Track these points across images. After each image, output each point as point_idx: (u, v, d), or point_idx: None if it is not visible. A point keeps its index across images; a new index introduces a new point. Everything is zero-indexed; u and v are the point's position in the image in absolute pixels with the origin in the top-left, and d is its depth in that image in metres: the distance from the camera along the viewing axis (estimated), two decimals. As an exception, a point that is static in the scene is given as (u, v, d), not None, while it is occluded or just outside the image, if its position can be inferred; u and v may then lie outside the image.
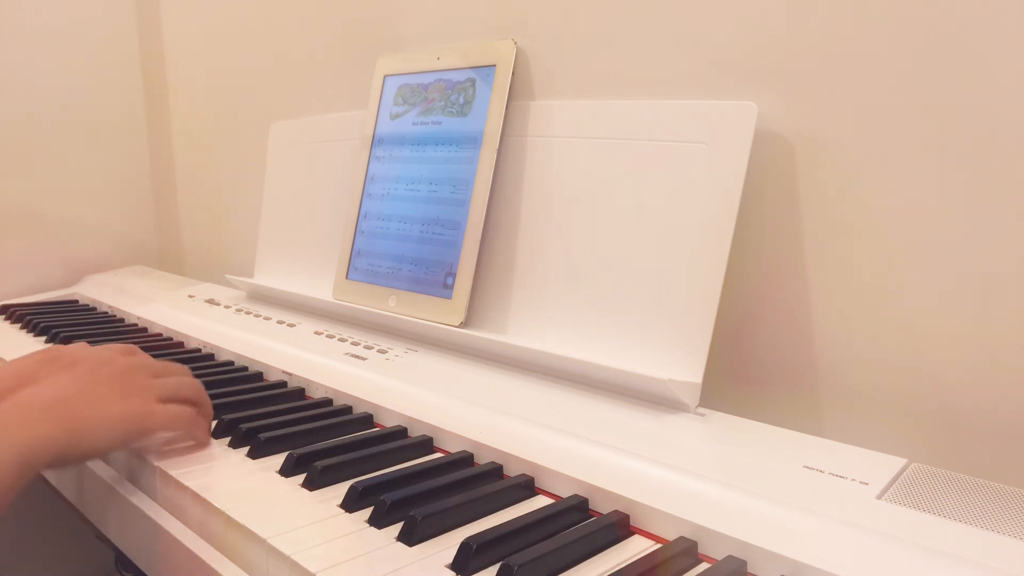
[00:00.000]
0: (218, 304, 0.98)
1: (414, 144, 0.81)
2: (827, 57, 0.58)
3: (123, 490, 0.55)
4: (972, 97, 0.52)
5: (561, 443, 0.52)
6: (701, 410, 0.57)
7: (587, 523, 0.45)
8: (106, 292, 1.16)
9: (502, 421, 0.56)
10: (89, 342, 0.85)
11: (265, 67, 1.16)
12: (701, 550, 0.43)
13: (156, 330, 0.94)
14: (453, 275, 0.74)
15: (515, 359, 0.67)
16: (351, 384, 0.67)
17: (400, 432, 0.60)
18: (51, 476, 0.66)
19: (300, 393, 0.70)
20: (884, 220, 0.57)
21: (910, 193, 0.55)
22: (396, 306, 0.79)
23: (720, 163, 0.59)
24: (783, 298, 0.62)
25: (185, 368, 0.61)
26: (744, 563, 0.41)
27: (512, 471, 0.53)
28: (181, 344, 0.87)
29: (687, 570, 0.41)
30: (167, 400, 0.55)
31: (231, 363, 0.79)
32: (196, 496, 0.49)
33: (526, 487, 0.51)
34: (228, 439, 0.59)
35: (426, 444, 0.58)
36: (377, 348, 0.74)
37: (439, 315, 0.74)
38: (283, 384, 0.72)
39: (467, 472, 0.52)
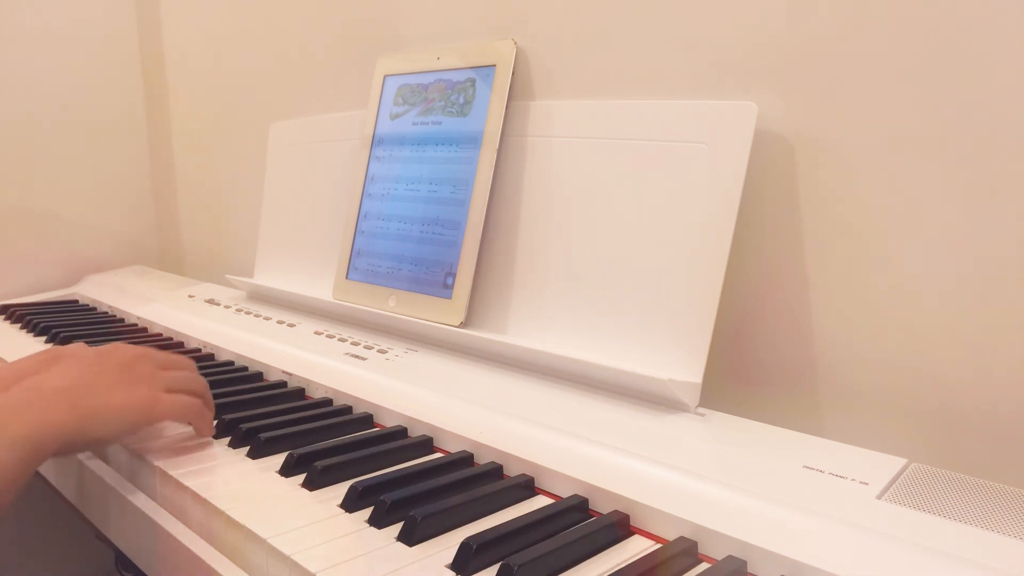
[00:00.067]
0: (218, 304, 0.98)
1: (414, 144, 0.81)
2: (827, 57, 0.58)
3: (123, 490, 0.55)
4: (972, 97, 0.52)
5: (561, 443, 0.52)
6: (701, 410, 0.57)
7: (587, 523, 0.45)
8: (106, 292, 1.16)
9: (502, 421, 0.56)
10: (89, 342, 0.85)
11: (265, 67, 1.16)
12: (701, 550, 0.43)
13: (156, 330, 0.94)
14: (453, 275, 0.74)
15: (515, 359, 0.67)
16: (351, 384, 0.67)
17: (400, 432, 0.60)
18: (51, 476, 0.66)
19: (300, 393, 0.70)
20: (884, 220, 0.57)
21: (910, 193, 0.55)
22: (396, 306, 0.79)
23: (720, 163, 0.59)
24: (783, 298, 0.62)
25: (191, 362, 0.62)
26: (744, 563, 0.41)
27: (512, 471, 0.53)
28: (181, 344, 0.87)
29: (687, 570, 0.41)
30: (173, 391, 0.55)
31: (231, 363, 0.79)
32: (196, 496, 0.49)
33: (526, 487, 0.51)
34: (228, 439, 0.59)
35: (426, 444, 0.58)
36: (377, 348, 0.74)
37: (439, 315, 0.74)
38: (283, 384, 0.72)
39: (467, 472, 0.52)
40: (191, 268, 1.40)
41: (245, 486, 0.50)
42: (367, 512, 0.46)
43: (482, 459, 0.55)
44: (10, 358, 0.83)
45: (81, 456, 0.60)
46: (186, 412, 0.56)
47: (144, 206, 1.43)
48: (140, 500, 0.53)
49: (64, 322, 0.98)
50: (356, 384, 0.67)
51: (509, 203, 0.73)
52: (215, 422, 0.61)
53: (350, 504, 0.47)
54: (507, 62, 0.74)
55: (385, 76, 0.86)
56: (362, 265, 0.84)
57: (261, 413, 0.62)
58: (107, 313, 1.08)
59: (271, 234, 1.03)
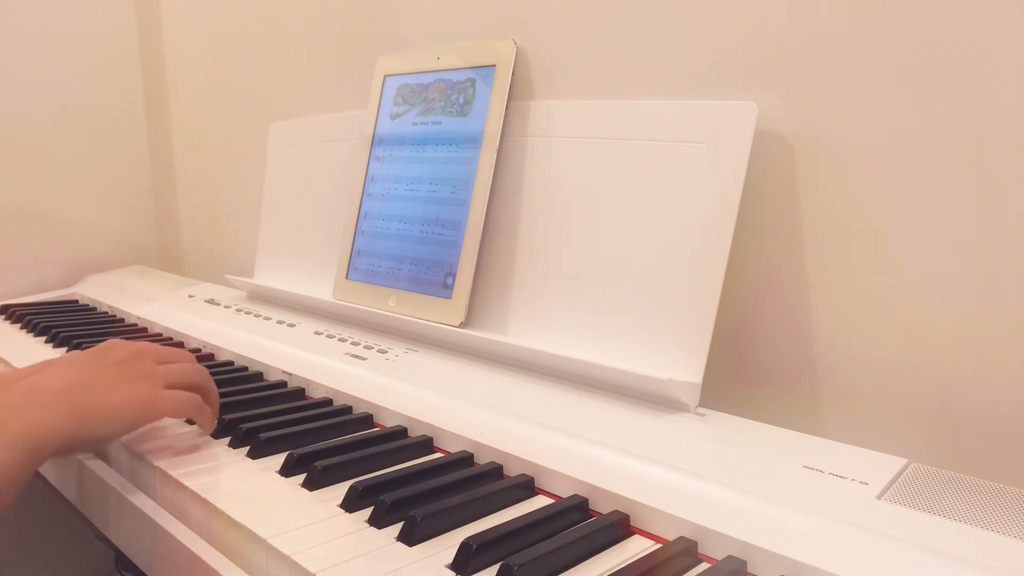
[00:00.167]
0: (218, 304, 0.98)
1: (414, 144, 0.81)
2: (827, 57, 0.58)
3: (123, 490, 0.55)
4: (972, 97, 0.52)
5: (561, 443, 0.52)
6: (701, 410, 0.57)
7: (587, 523, 0.45)
8: (106, 292, 1.16)
9: (502, 421, 0.56)
10: (89, 342, 0.85)
11: (265, 67, 1.16)
12: (701, 550, 0.43)
13: (156, 330, 0.94)
14: (453, 275, 0.74)
15: (515, 359, 0.67)
16: (351, 384, 0.67)
17: (400, 432, 0.60)
18: (51, 476, 0.66)
19: (300, 393, 0.70)
20: (884, 220, 0.57)
21: (910, 193, 0.55)
22: (396, 306, 0.79)
23: (720, 163, 0.59)
24: (783, 298, 0.62)
25: (190, 354, 0.62)
26: (744, 563, 0.41)
27: (512, 471, 0.53)
28: (181, 344, 0.87)
29: (687, 570, 0.41)
30: (173, 386, 0.55)
31: (231, 363, 0.79)
32: (196, 496, 0.49)
33: (526, 487, 0.51)
34: (228, 439, 0.59)
35: (426, 444, 0.58)
36: (377, 348, 0.74)
37: (439, 315, 0.74)
38: (283, 384, 0.72)
39: (467, 472, 0.52)
40: (191, 268, 1.40)
41: (245, 486, 0.50)
42: (367, 512, 0.46)
43: (482, 459, 0.55)
44: (10, 358, 0.83)
45: (81, 456, 0.60)
46: (185, 408, 0.56)
47: (144, 206, 1.43)
48: (140, 500, 0.53)
49: (64, 322, 0.98)
50: (356, 384, 0.67)
51: (509, 203, 0.73)
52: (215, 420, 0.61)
53: (350, 504, 0.47)
54: (507, 62, 0.74)
55: (385, 76, 0.86)
56: (362, 265, 0.84)
57: (261, 413, 0.62)
58: (107, 313, 1.08)
59: (271, 234, 1.03)
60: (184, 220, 1.41)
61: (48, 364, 0.55)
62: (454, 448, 0.57)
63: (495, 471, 0.53)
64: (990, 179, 0.52)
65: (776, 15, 0.60)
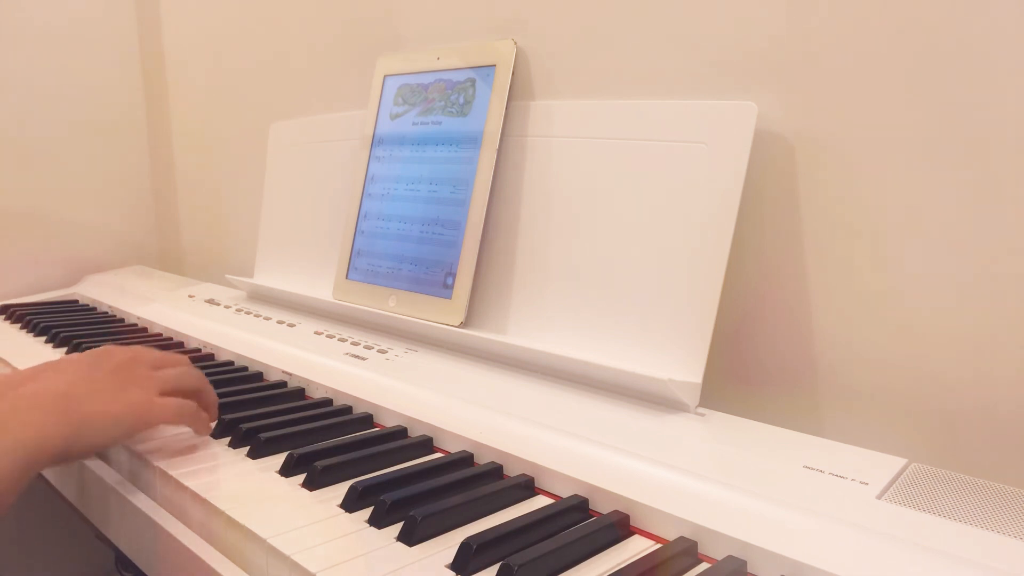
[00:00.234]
0: (218, 304, 0.98)
1: (414, 144, 0.81)
2: (827, 57, 0.58)
3: (123, 490, 0.55)
4: (972, 97, 0.52)
5: (561, 443, 0.52)
6: (701, 410, 0.57)
7: (587, 523, 0.45)
8: (106, 292, 1.16)
9: (502, 421, 0.56)
10: (89, 343, 0.85)
11: (265, 67, 1.16)
12: (701, 550, 0.43)
13: (156, 330, 0.94)
14: (453, 275, 0.74)
15: (515, 359, 0.67)
16: (351, 384, 0.67)
17: (400, 432, 0.60)
18: (51, 476, 0.66)
19: (300, 393, 0.70)
20: (884, 220, 0.57)
21: (910, 193, 0.55)
22: (396, 306, 0.79)
23: (720, 163, 0.59)
24: (783, 298, 0.62)
25: (185, 359, 0.62)
26: (744, 563, 0.41)
27: (512, 471, 0.53)
28: (181, 344, 0.87)
29: (687, 570, 0.41)
30: (169, 392, 0.55)
31: (231, 363, 0.79)
32: (196, 496, 0.49)
33: (526, 487, 0.51)
34: (228, 439, 0.59)
35: (426, 444, 0.58)
36: (377, 348, 0.74)
37: (439, 315, 0.74)
38: (283, 384, 0.72)
39: (467, 472, 0.52)
40: (191, 268, 1.40)
41: (245, 486, 0.50)
42: (367, 512, 0.46)
43: (482, 459, 0.55)
44: (10, 358, 0.83)
45: (81, 456, 0.60)
46: (180, 415, 0.55)
47: (144, 206, 1.43)
48: (140, 500, 0.53)
49: (64, 322, 0.98)
50: (356, 384, 0.67)
51: (509, 203, 0.73)
52: (214, 424, 0.61)
53: (350, 504, 0.47)
54: (507, 62, 0.74)
55: (385, 76, 0.86)
56: (362, 265, 0.84)
57: (261, 413, 0.62)
58: (107, 313, 1.08)
59: (271, 234, 1.03)
60: (184, 220, 1.41)
61: (42, 371, 0.55)
62: (454, 448, 0.57)
63: (495, 471, 0.53)
64: (990, 179, 0.52)
65: (776, 15, 0.60)
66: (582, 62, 0.73)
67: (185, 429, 0.60)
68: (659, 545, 0.44)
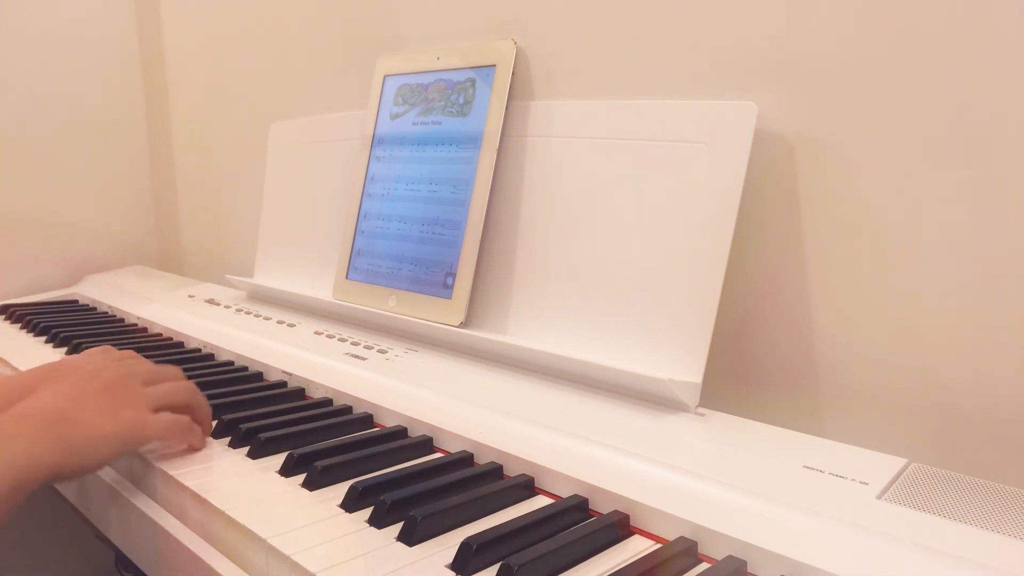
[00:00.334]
0: (218, 304, 0.98)
1: (414, 144, 0.81)
2: (827, 57, 0.58)
3: (123, 490, 0.55)
4: (972, 97, 0.52)
5: (561, 443, 0.52)
6: (701, 410, 0.57)
7: (587, 523, 0.45)
8: (106, 292, 1.16)
9: (502, 421, 0.56)
10: (89, 343, 0.85)
11: (265, 67, 1.16)
12: (701, 550, 0.43)
13: (156, 330, 0.94)
14: (453, 275, 0.74)
15: (515, 359, 0.67)
16: (351, 384, 0.67)
17: (400, 432, 0.60)
18: (51, 476, 0.66)
19: (300, 393, 0.70)
20: (884, 220, 0.57)
21: (910, 193, 0.55)
22: (396, 306, 0.79)
23: (720, 163, 0.59)
24: (783, 298, 0.62)
25: (178, 371, 0.61)
26: (744, 563, 0.41)
27: (512, 471, 0.53)
28: (181, 344, 0.87)
29: (687, 570, 0.41)
30: (161, 408, 0.55)
31: (231, 363, 0.79)
32: (196, 496, 0.49)
33: (526, 487, 0.51)
34: (228, 439, 0.59)
35: (426, 444, 0.58)
36: (377, 348, 0.74)
37: (439, 315, 0.74)
38: (283, 384, 0.72)
39: (467, 472, 0.52)
40: (191, 268, 1.40)
41: (245, 486, 0.50)
42: (367, 512, 0.46)
43: (482, 459, 0.55)
44: (10, 358, 0.83)
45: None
46: (173, 431, 0.55)
47: (144, 206, 1.43)
48: (140, 500, 0.53)
49: (64, 322, 0.98)
50: (356, 384, 0.67)
51: (509, 203, 0.73)
52: (215, 423, 0.61)
53: (350, 504, 0.47)
54: (507, 62, 0.74)
55: (385, 76, 0.86)
56: (362, 265, 0.84)
57: (261, 413, 0.62)
58: (107, 313, 1.08)
59: (271, 234, 1.03)
60: (184, 220, 1.41)
61: (35, 383, 0.55)
62: (454, 448, 0.57)
63: (495, 471, 0.53)
64: (990, 179, 0.52)
65: (776, 15, 0.60)
66: (582, 62, 0.73)
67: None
68: (659, 545, 0.44)
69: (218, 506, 0.47)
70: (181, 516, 0.50)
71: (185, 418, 0.56)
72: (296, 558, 0.41)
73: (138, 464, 0.56)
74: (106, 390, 0.53)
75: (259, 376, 0.75)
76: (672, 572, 0.41)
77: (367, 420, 0.63)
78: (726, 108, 0.59)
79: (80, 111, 1.32)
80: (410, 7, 0.90)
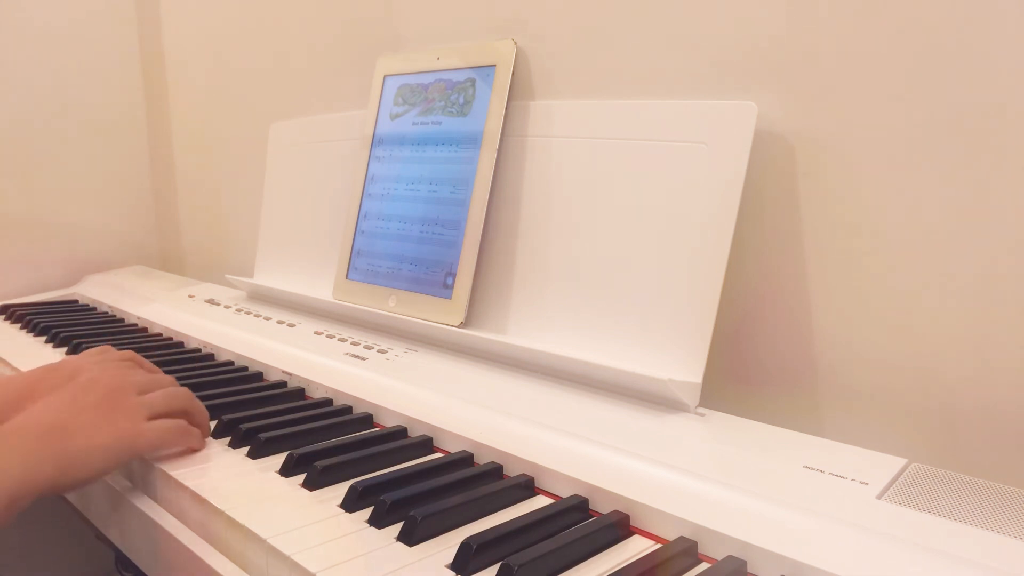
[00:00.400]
0: (218, 304, 0.98)
1: (414, 144, 0.81)
2: (827, 57, 0.58)
3: (124, 491, 0.55)
4: (972, 97, 0.52)
5: (561, 443, 0.52)
6: (701, 410, 0.57)
7: (587, 523, 0.45)
8: (106, 292, 1.16)
9: (502, 421, 0.56)
10: (89, 342, 0.85)
11: (265, 67, 1.16)
12: (701, 550, 0.43)
13: (156, 330, 0.94)
14: (453, 275, 0.74)
15: (515, 359, 0.67)
16: (351, 384, 0.67)
17: (400, 432, 0.60)
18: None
19: (300, 393, 0.70)
20: (884, 220, 0.57)
21: (910, 193, 0.55)
22: (396, 306, 0.79)
23: (720, 163, 0.59)
24: (783, 298, 0.62)
25: (171, 378, 0.61)
26: (744, 563, 0.41)
27: (512, 471, 0.53)
28: (181, 344, 0.87)
29: (687, 570, 0.41)
30: (157, 416, 0.55)
31: (231, 363, 0.79)
32: (196, 496, 0.49)
33: (526, 487, 0.51)
34: (228, 439, 0.59)
35: (426, 444, 0.58)
36: (377, 348, 0.74)
37: (439, 315, 0.74)
38: (283, 384, 0.72)
39: (467, 472, 0.52)
40: (191, 268, 1.40)
41: (245, 486, 0.50)
42: (367, 512, 0.46)
43: (482, 459, 0.55)
44: (10, 358, 0.83)
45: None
46: (170, 437, 0.55)
47: (144, 206, 1.43)
48: (140, 500, 0.53)
49: (64, 322, 0.98)
50: (356, 384, 0.67)
51: (509, 203, 0.73)
52: (215, 423, 0.61)
53: (350, 504, 0.47)
54: (507, 62, 0.74)
55: (385, 76, 0.86)
56: (362, 265, 0.84)
57: (261, 413, 0.62)
58: (107, 313, 1.08)
59: (271, 234, 1.03)
60: (184, 220, 1.41)
61: (30, 387, 0.55)
62: (454, 448, 0.57)
63: (495, 471, 0.53)
64: (990, 179, 0.52)
65: (776, 15, 0.60)
66: (582, 62, 0.73)
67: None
68: (659, 545, 0.44)
69: (218, 506, 0.47)
70: (181, 516, 0.50)
71: (181, 422, 0.56)
72: (296, 558, 0.41)
73: (138, 464, 0.56)
74: (102, 401, 0.53)
75: (259, 376, 0.75)
76: (672, 572, 0.41)
77: (367, 420, 0.63)
78: (726, 108, 0.59)
79: (80, 111, 1.32)
80: (410, 7, 0.90)
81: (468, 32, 0.83)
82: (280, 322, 0.87)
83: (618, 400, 0.59)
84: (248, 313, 0.92)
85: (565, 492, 0.49)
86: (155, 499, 0.53)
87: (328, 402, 0.67)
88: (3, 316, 1.07)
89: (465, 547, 0.41)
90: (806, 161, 0.60)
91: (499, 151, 0.74)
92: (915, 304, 0.56)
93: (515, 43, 0.75)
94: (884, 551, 0.39)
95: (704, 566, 0.42)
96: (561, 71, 0.75)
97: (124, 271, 1.33)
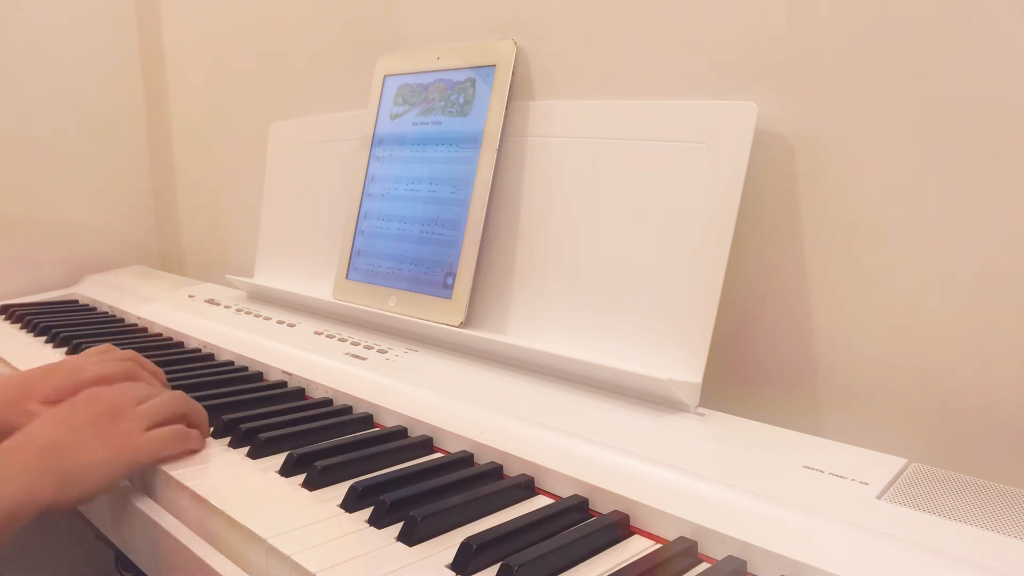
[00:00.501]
0: (218, 304, 0.98)
1: (414, 144, 0.81)
2: (827, 57, 0.58)
3: (123, 490, 0.55)
4: (972, 97, 0.52)
5: (561, 443, 0.52)
6: (701, 410, 0.57)
7: (587, 523, 0.45)
8: (106, 292, 1.16)
9: (502, 421, 0.56)
10: (89, 342, 0.85)
11: (265, 67, 1.16)
12: (701, 550, 0.43)
13: (156, 330, 0.94)
14: (453, 275, 0.74)
15: (515, 359, 0.67)
16: (351, 384, 0.67)
17: (400, 432, 0.60)
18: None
19: (300, 393, 0.70)
20: (884, 220, 0.57)
21: (910, 193, 0.55)
22: (396, 306, 0.79)
23: (720, 163, 0.59)
24: (783, 298, 0.62)
25: (166, 384, 0.61)
26: (744, 563, 0.41)
27: (512, 471, 0.53)
28: (181, 344, 0.87)
29: (687, 570, 0.41)
30: (156, 424, 0.54)
31: (231, 363, 0.79)
32: (196, 496, 0.49)
33: (526, 487, 0.51)
34: (228, 439, 0.59)
35: (426, 444, 0.58)
36: (377, 348, 0.74)
37: (439, 315, 0.74)
38: (283, 384, 0.72)
39: (467, 472, 0.52)
40: (191, 268, 1.40)
41: (245, 486, 0.50)
42: (367, 512, 0.46)
43: (482, 459, 0.55)
44: (10, 358, 0.83)
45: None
46: (169, 446, 0.54)
47: (144, 206, 1.43)
48: (140, 500, 0.53)
49: (64, 322, 0.98)
50: (356, 384, 0.67)
51: (509, 203, 0.73)
52: (214, 423, 0.61)
53: (350, 504, 0.47)
54: (507, 62, 0.74)
55: (385, 76, 0.86)
56: (362, 265, 0.84)
57: (261, 413, 0.62)
58: (107, 313, 1.08)
59: (271, 234, 1.03)
60: (184, 220, 1.41)
61: (31, 385, 0.56)
62: (454, 448, 0.57)
63: (495, 471, 0.53)
64: (990, 179, 0.52)
65: (776, 15, 0.60)
66: (582, 62, 0.73)
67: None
68: (659, 545, 0.44)
69: (218, 506, 0.47)
70: (181, 516, 0.50)
71: (179, 427, 0.56)
72: (296, 558, 0.41)
73: (138, 464, 0.56)
74: (99, 418, 0.53)
75: (259, 376, 0.75)
76: (672, 572, 0.41)
77: (367, 420, 0.63)
78: (726, 108, 0.59)
79: (80, 111, 1.32)
80: (410, 7, 0.90)
81: (468, 32, 0.83)
82: (280, 322, 0.87)
83: (618, 400, 0.59)
84: (248, 313, 0.92)
85: (565, 492, 0.49)
86: (155, 499, 0.53)
87: (328, 402, 0.67)
88: (3, 316, 1.07)
89: (465, 547, 0.41)
90: (806, 161, 0.60)
91: (499, 151, 0.74)
92: (915, 304, 0.56)
93: (515, 43, 0.75)
94: (884, 551, 0.39)
95: (704, 566, 0.42)
96: (561, 71, 0.75)
97: (124, 271, 1.33)
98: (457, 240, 0.75)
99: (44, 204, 1.29)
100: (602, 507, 0.47)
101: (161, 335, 0.92)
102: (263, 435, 0.56)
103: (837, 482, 0.46)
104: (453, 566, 0.41)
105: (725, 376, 0.66)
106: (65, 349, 0.87)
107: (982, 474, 0.49)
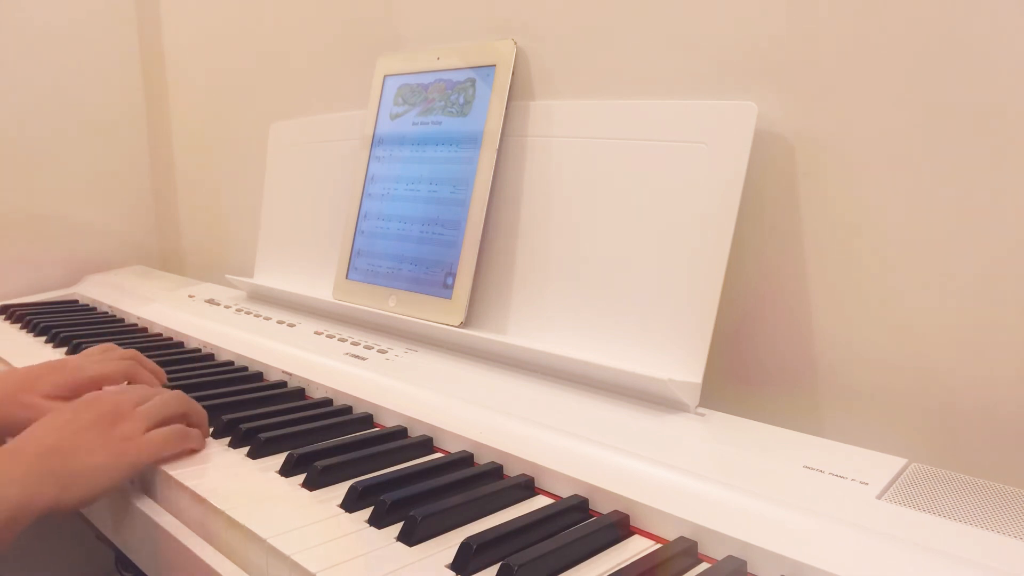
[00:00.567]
0: (218, 304, 0.98)
1: (414, 144, 0.81)
2: (827, 57, 0.58)
3: (123, 491, 0.55)
4: (972, 97, 0.52)
5: (561, 443, 0.52)
6: (701, 410, 0.57)
7: (587, 523, 0.45)
8: (106, 292, 1.16)
9: (502, 421, 0.56)
10: (89, 342, 0.85)
11: (265, 67, 1.16)
12: (701, 550, 0.43)
13: (156, 330, 0.94)
14: (453, 275, 0.74)
15: (515, 359, 0.67)
16: (351, 384, 0.67)
17: (400, 432, 0.60)
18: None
19: (300, 393, 0.70)
20: (884, 220, 0.57)
21: (910, 193, 0.55)
22: (396, 306, 0.79)
23: (720, 163, 0.59)
24: (783, 298, 0.62)
25: (162, 390, 0.61)
26: (744, 563, 0.41)
27: (512, 471, 0.53)
28: (181, 344, 0.87)
29: (687, 570, 0.41)
30: (156, 425, 0.54)
31: (231, 363, 0.79)
32: (196, 496, 0.49)
33: (526, 487, 0.51)
34: (228, 439, 0.59)
35: (426, 444, 0.58)
36: (377, 348, 0.74)
37: (439, 315, 0.74)
38: (283, 384, 0.72)
39: (467, 472, 0.52)
40: (191, 268, 1.40)
41: (245, 486, 0.50)
42: (367, 512, 0.46)
43: (482, 459, 0.55)
44: (10, 358, 0.83)
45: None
46: (170, 444, 0.55)
47: (144, 206, 1.43)
48: (140, 500, 0.53)
49: (64, 322, 0.98)
50: (356, 384, 0.67)
51: (509, 203, 0.73)
52: (214, 423, 0.61)
53: (350, 504, 0.47)
54: (507, 62, 0.74)
55: (385, 76, 0.86)
56: (362, 265, 0.84)
57: (261, 413, 0.62)
58: (107, 313, 1.08)
59: (271, 234, 1.03)
60: (184, 220, 1.41)
61: (32, 380, 0.56)
62: (454, 448, 0.57)
63: (495, 471, 0.53)
64: (990, 179, 0.52)
65: (776, 15, 0.60)
66: (582, 62, 0.73)
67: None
68: (659, 545, 0.44)
69: (218, 506, 0.47)
70: (181, 516, 0.50)
71: (178, 427, 0.56)
72: (296, 558, 0.41)
73: (138, 464, 0.56)
74: (99, 421, 0.53)
75: (259, 376, 0.75)
76: (672, 572, 0.41)
77: (367, 420, 0.63)
78: (726, 108, 0.59)
79: (80, 111, 1.32)
80: (410, 7, 0.90)
81: (468, 32, 0.83)
82: (280, 322, 0.87)
83: (618, 400, 0.59)
84: (248, 313, 0.92)
85: (565, 492, 0.49)
86: (155, 499, 0.53)
87: (328, 402, 0.67)
88: (3, 316, 1.07)
89: (465, 547, 0.41)
90: (806, 161, 0.60)
91: (499, 151, 0.74)
92: (915, 304, 0.56)
93: (515, 43, 0.75)
94: (884, 551, 0.39)
95: (704, 566, 0.42)
96: (561, 71, 0.75)
97: (124, 271, 1.33)
98: (457, 240, 0.75)
99: (44, 204, 1.29)
100: (602, 507, 0.47)
101: (161, 335, 0.92)
102: (263, 435, 0.56)
103: (837, 482, 0.46)
104: (453, 566, 0.41)
105: (725, 376, 0.66)
106: (65, 349, 0.87)
107: (982, 474, 0.49)
